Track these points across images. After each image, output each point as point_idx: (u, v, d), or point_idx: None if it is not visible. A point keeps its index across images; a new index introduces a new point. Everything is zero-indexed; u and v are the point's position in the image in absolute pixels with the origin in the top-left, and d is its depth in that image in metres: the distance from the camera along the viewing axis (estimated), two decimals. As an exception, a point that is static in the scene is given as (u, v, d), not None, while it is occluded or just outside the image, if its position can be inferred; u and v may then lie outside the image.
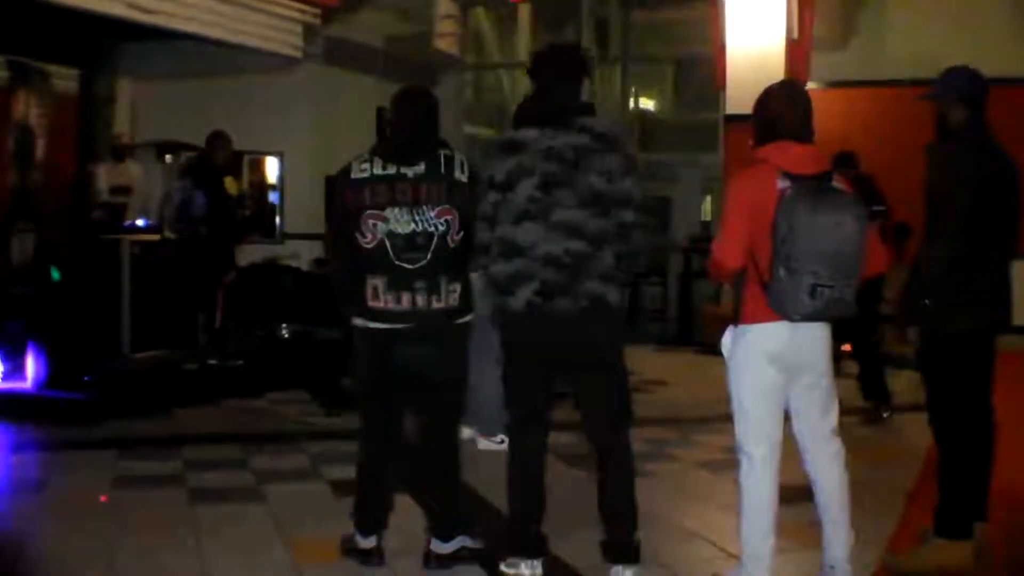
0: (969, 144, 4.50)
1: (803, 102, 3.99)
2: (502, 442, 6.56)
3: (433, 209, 4.11)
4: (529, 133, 4.06)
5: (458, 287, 4.17)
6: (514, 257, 4.00)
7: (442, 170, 4.15)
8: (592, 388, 4.20)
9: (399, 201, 4.09)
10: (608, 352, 4.18)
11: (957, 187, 4.37)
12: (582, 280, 4.00)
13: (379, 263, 4.09)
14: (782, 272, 3.72)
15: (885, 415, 7.68)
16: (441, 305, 4.12)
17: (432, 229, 4.10)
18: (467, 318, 4.26)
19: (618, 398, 4.21)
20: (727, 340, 4.00)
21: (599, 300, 4.03)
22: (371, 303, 4.11)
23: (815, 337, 3.91)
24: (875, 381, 7.80)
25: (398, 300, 4.08)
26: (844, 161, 7.80)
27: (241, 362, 8.79)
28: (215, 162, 8.89)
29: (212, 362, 8.64)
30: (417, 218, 4.09)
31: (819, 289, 3.70)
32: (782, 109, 3.96)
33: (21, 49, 8.85)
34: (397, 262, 4.08)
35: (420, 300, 4.09)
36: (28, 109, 8.59)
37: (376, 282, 4.09)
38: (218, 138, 8.90)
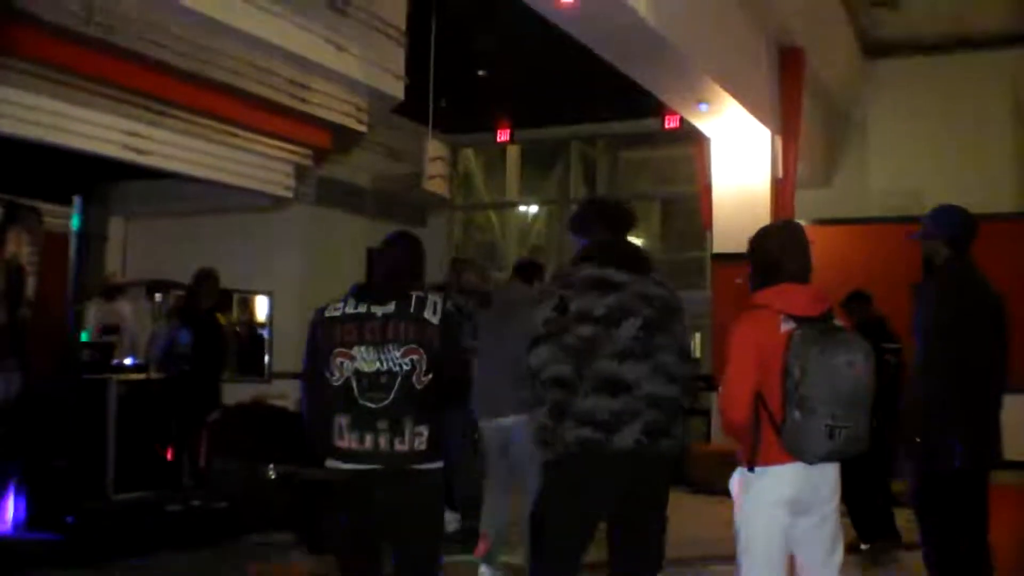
0: (952, 282, 4.54)
1: (802, 242, 3.97)
2: None
3: (399, 348, 4.06)
4: (620, 275, 4.09)
5: (425, 431, 4.05)
6: (620, 394, 3.96)
7: (411, 310, 4.11)
8: (642, 529, 4.14)
9: (367, 340, 4.06)
10: (667, 495, 4.21)
11: (941, 326, 4.39)
12: (676, 423, 4.06)
13: (344, 402, 4.05)
14: (797, 415, 3.65)
15: (863, 547, 7.65)
16: (404, 448, 4.02)
17: (397, 369, 4.04)
18: (436, 464, 4.13)
19: (660, 541, 4.18)
20: (735, 482, 3.92)
21: (681, 442, 4.10)
22: (337, 442, 4.06)
23: (828, 476, 3.84)
24: (866, 514, 7.77)
25: (361, 440, 4.02)
26: (858, 299, 7.85)
27: (225, 503, 8.65)
28: (201, 299, 8.92)
29: (196, 503, 8.50)
30: (383, 357, 4.05)
31: (837, 430, 3.64)
32: (782, 251, 3.93)
33: (13, 187, 8.94)
34: (361, 401, 4.03)
35: (383, 441, 4.01)
36: (20, 247, 8.63)
37: (341, 421, 4.05)
38: (206, 277, 8.95)
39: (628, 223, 4.41)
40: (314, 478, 8.76)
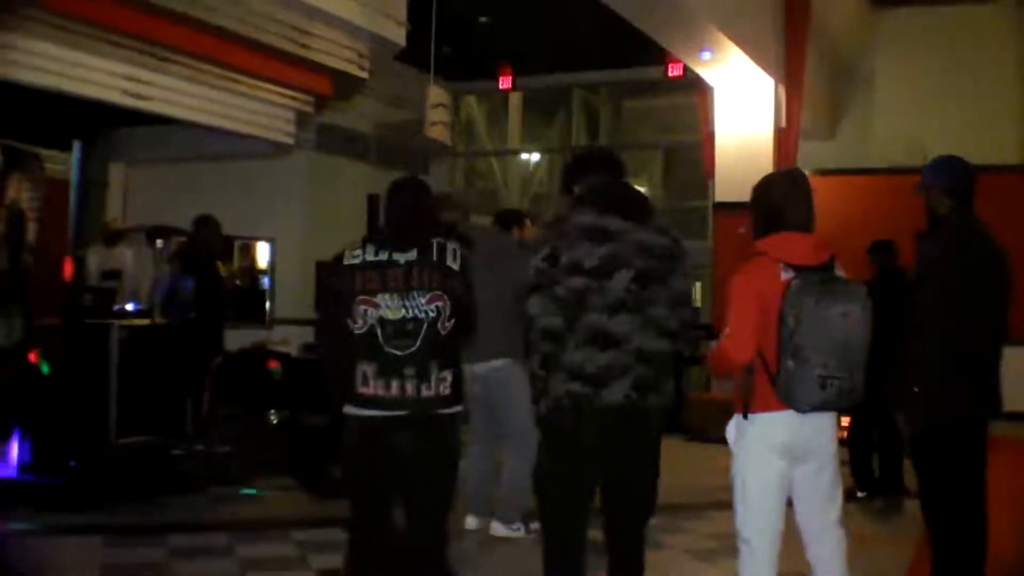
0: (953, 234, 4.53)
1: (806, 191, 3.96)
2: (518, 529, 6.49)
3: (424, 295, 4.08)
4: (616, 222, 3.99)
5: (449, 375, 4.11)
6: (608, 348, 3.90)
7: (434, 257, 4.14)
8: (633, 481, 4.14)
9: (390, 287, 4.07)
10: (658, 448, 4.19)
11: (942, 277, 4.39)
12: (665, 378, 4.01)
13: (369, 349, 4.06)
14: (790, 363, 3.67)
15: (860, 495, 7.71)
16: (431, 393, 4.06)
17: (422, 315, 4.07)
18: (457, 408, 4.20)
19: (652, 491, 4.18)
20: (732, 429, 3.95)
21: (670, 397, 4.06)
22: (360, 389, 4.06)
23: (823, 426, 3.85)
24: (864, 464, 7.84)
25: (387, 387, 4.04)
26: (882, 249, 7.81)
27: (228, 448, 8.70)
28: (201, 246, 8.89)
29: (199, 448, 8.55)
30: (408, 304, 4.07)
31: (829, 381, 3.66)
32: (785, 199, 3.92)
33: (13, 133, 8.91)
34: (387, 348, 4.05)
35: (410, 387, 4.04)
36: (20, 193, 8.62)
37: (366, 368, 4.06)
38: (205, 222, 8.91)
39: (623, 167, 4.35)
40: (320, 424, 8.85)
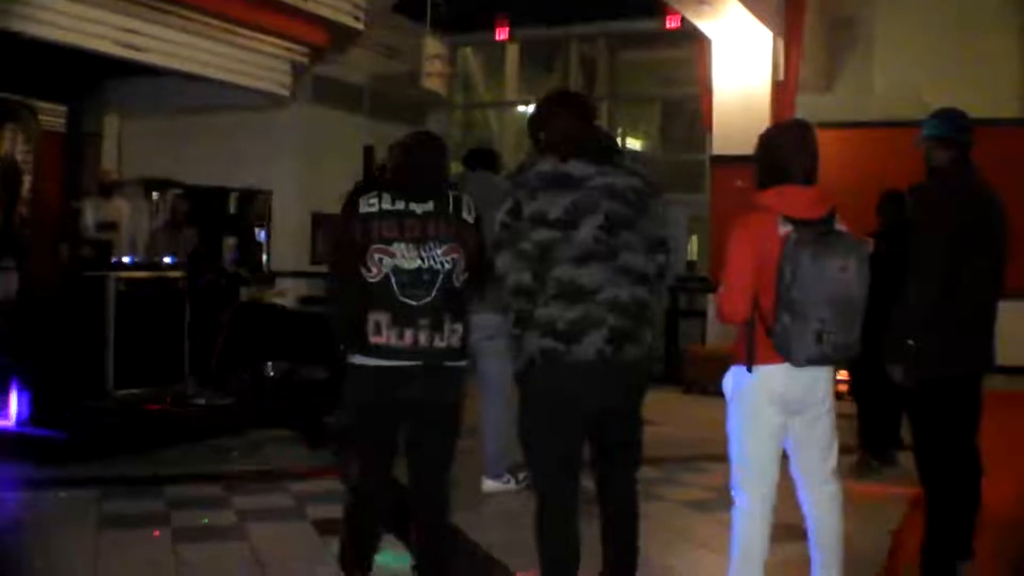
0: (951, 186, 4.53)
1: (811, 143, 3.93)
2: (508, 482, 6.52)
3: (440, 247, 4.09)
4: (580, 167, 3.83)
5: (460, 328, 4.13)
6: (578, 301, 3.76)
7: (450, 209, 4.16)
8: (619, 433, 4.08)
9: (407, 237, 4.07)
10: (641, 398, 4.11)
11: (938, 229, 4.39)
12: (644, 327, 3.88)
13: (383, 298, 4.05)
14: (786, 318, 3.67)
15: (874, 464, 7.61)
16: (443, 345, 4.08)
17: (438, 267, 4.08)
18: (465, 362, 4.22)
19: (639, 443, 4.15)
20: (728, 381, 3.96)
21: (650, 346, 3.96)
22: (372, 339, 4.05)
23: (819, 379, 3.86)
24: (874, 428, 7.77)
25: (401, 336, 4.04)
26: (892, 201, 7.71)
27: (229, 400, 8.73)
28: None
29: (199, 400, 8.58)
30: (424, 255, 4.07)
31: (825, 335, 3.66)
32: (790, 151, 3.89)
33: (8, 85, 8.86)
34: (402, 298, 4.05)
35: (423, 338, 4.05)
36: (15, 145, 8.58)
37: (379, 318, 4.05)
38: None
39: (592, 111, 4.18)
40: (318, 376, 8.87)
